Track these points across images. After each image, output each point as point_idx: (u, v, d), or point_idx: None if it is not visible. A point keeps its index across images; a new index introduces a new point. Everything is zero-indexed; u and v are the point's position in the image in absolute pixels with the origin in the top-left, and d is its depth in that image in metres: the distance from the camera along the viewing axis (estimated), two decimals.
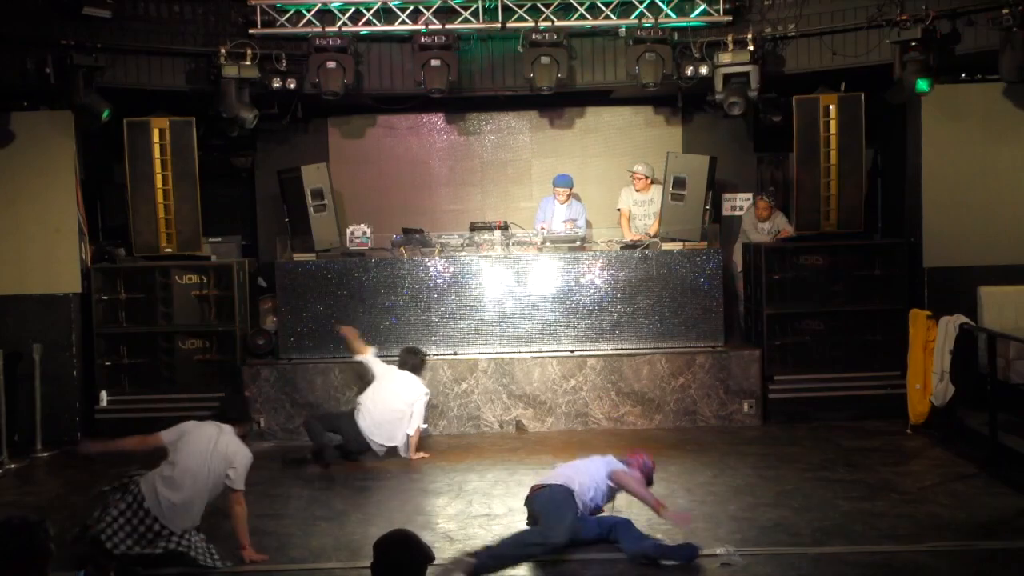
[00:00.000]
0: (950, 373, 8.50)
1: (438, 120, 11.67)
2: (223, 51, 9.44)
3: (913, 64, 8.86)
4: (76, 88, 8.87)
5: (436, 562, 3.78)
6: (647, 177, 10.49)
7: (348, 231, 9.77)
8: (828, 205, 9.72)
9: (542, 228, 10.25)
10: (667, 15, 9.82)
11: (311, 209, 9.79)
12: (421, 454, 8.60)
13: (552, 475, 6.57)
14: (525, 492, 7.59)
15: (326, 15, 9.87)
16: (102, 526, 5.89)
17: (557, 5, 9.81)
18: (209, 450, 6.11)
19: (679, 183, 9.77)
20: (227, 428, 6.26)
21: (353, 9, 9.86)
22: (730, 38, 9.56)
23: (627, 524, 6.26)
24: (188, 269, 9.71)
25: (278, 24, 9.87)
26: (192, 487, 6.04)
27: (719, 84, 9.55)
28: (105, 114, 9.10)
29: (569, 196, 10.62)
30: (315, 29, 9.75)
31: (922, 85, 8.95)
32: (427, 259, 9.71)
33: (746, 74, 9.45)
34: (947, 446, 8.49)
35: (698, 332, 9.62)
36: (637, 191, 10.56)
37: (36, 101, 9.51)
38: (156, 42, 9.69)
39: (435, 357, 9.55)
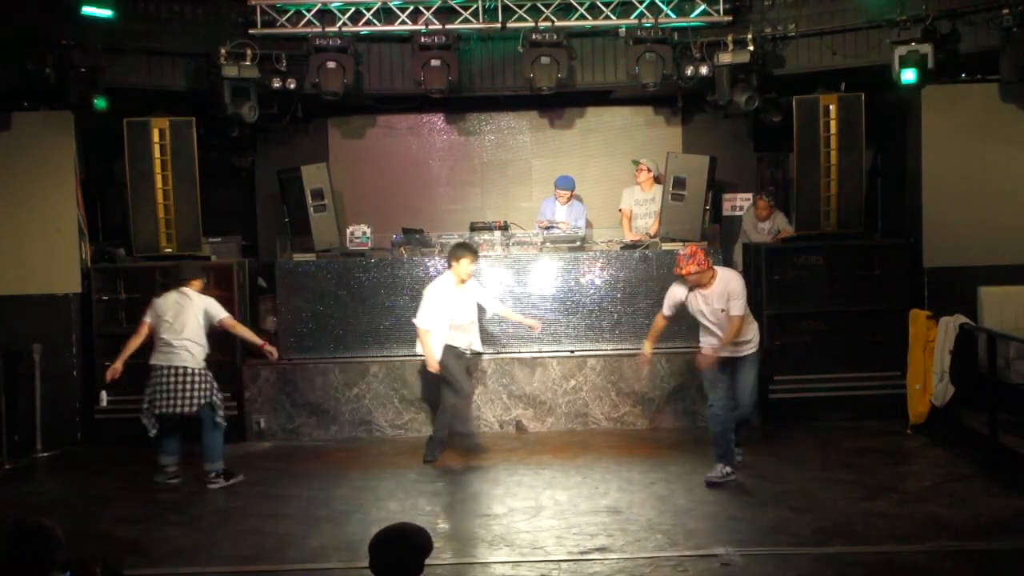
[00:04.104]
0: (950, 373, 8.50)
1: (438, 120, 11.67)
2: (223, 51, 9.44)
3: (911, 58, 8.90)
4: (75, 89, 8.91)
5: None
6: (651, 170, 10.45)
7: (348, 231, 9.77)
8: (828, 205, 9.72)
9: (546, 224, 10.24)
10: (667, 15, 9.83)
11: (311, 209, 9.79)
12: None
13: None
14: (525, 492, 7.64)
15: (326, 15, 9.88)
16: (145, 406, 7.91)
17: (557, 5, 9.81)
18: (185, 305, 7.96)
19: (679, 183, 9.76)
20: (187, 289, 8.05)
21: (353, 9, 9.86)
22: (730, 38, 9.57)
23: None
24: None
25: (278, 24, 9.87)
26: (187, 333, 7.91)
27: (725, 83, 9.54)
28: (100, 103, 9.07)
29: (570, 198, 10.62)
30: (315, 29, 9.75)
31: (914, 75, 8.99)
32: (427, 259, 9.71)
33: (749, 72, 9.48)
34: (947, 446, 8.49)
35: (698, 332, 9.58)
36: (639, 184, 10.50)
37: (36, 101, 9.50)
38: (156, 42, 9.69)
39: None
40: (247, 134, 10.68)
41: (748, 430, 8.32)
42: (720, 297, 7.59)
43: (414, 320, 8.54)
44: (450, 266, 8.52)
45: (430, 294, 8.50)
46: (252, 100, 9.68)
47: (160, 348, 7.96)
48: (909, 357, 8.99)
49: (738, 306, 7.55)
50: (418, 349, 8.64)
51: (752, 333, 7.80)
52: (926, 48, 8.84)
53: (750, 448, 8.57)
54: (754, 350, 7.80)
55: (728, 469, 7.70)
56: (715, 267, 7.70)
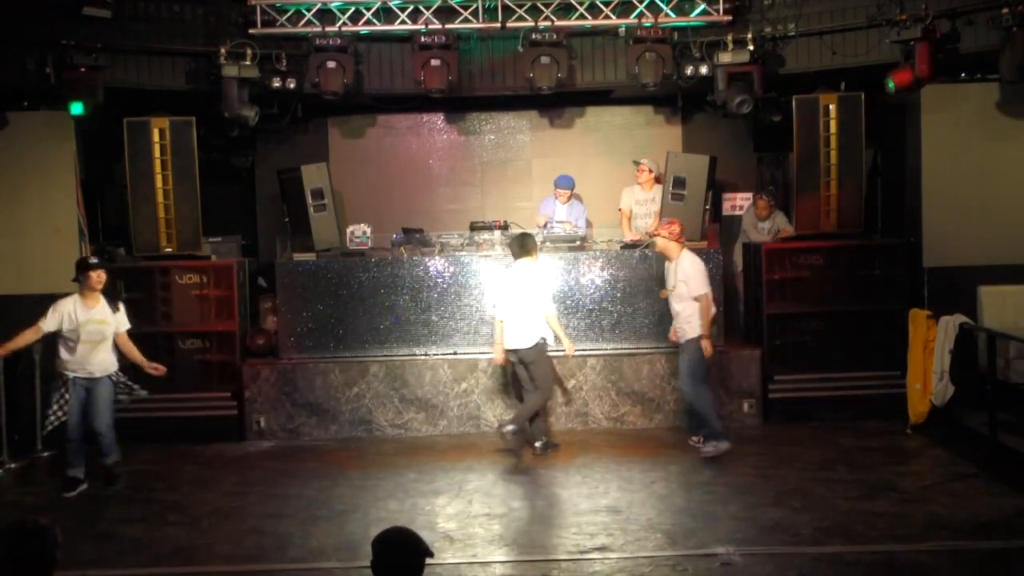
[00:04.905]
0: (950, 373, 8.50)
1: (438, 120, 11.67)
2: (223, 51, 9.43)
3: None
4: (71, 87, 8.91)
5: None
6: (652, 171, 10.45)
7: (348, 231, 9.77)
8: (828, 205, 9.72)
9: (543, 225, 10.23)
10: (667, 15, 9.81)
11: (311, 209, 9.79)
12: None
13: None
14: (526, 492, 7.64)
15: (326, 15, 9.87)
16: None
17: (557, 5, 9.80)
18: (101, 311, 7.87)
19: (679, 183, 9.76)
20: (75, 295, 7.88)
21: (353, 9, 9.85)
22: (730, 38, 9.56)
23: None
24: (188, 269, 9.70)
25: (278, 24, 9.86)
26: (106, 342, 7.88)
27: (721, 84, 9.55)
28: (76, 108, 9.02)
29: (570, 197, 10.61)
30: (315, 29, 9.74)
31: (892, 85, 9.13)
32: (427, 259, 9.71)
33: (749, 73, 9.46)
34: (947, 446, 8.49)
35: None
36: (639, 184, 10.49)
37: (36, 101, 9.50)
38: (156, 42, 9.69)
39: (435, 357, 9.56)
40: (247, 134, 10.68)
41: (694, 418, 8.80)
42: (674, 275, 8.55)
43: (548, 310, 8.74)
44: (529, 255, 8.73)
45: (546, 281, 8.93)
46: (253, 105, 9.70)
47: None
48: (909, 357, 8.99)
49: (690, 287, 8.41)
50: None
51: (693, 321, 8.43)
52: (921, 50, 8.85)
53: (750, 448, 8.61)
54: (691, 336, 8.44)
55: (696, 438, 8.75)
56: (685, 249, 8.60)
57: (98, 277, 7.91)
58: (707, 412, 8.45)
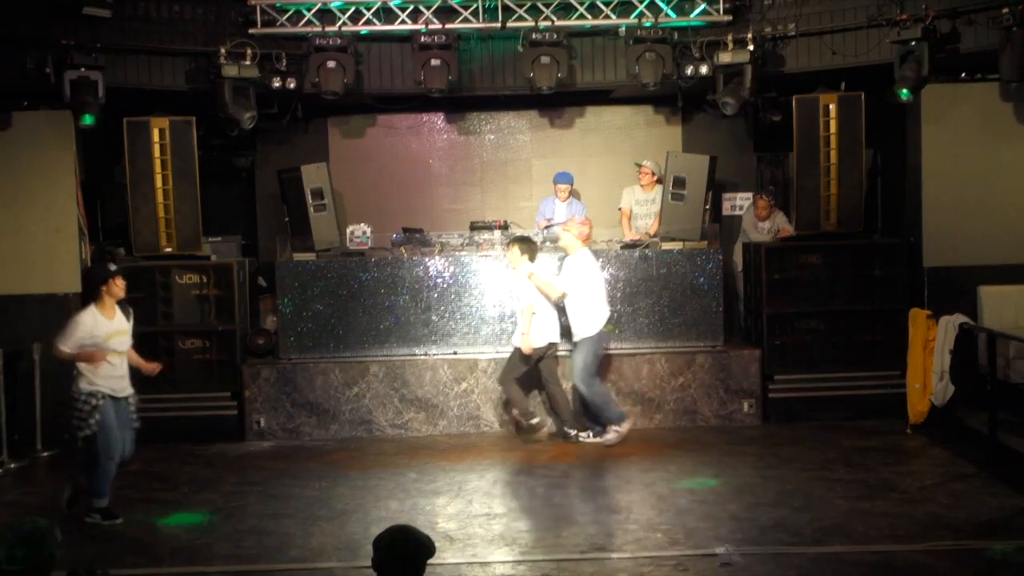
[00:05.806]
0: (950, 373, 8.50)
1: (438, 120, 11.67)
2: (223, 51, 9.43)
3: (909, 71, 8.90)
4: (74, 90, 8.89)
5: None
6: (654, 173, 10.46)
7: (348, 231, 9.77)
8: (828, 205, 9.71)
9: (546, 224, 10.24)
10: (667, 15, 9.82)
11: (311, 209, 9.79)
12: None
13: None
14: (524, 492, 7.64)
15: (326, 15, 9.87)
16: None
17: (557, 5, 9.81)
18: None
19: (679, 183, 9.76)
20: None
21: (353, 9, 9.86)
22: (730, 38, 9.56)
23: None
24: (188, 269, 9.70)
25: (278, 24, 9.86)
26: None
27: (719, 84, 9.56)
28: (87, 119, 8.98)
29: (570, 193, 10.61)
30: (315, 29, 9.75)
31: (905, 94, 9.08)
32: (427, 259, 9.71)
33: (741, 74, 9.46)
34: (947, 446, 8.50)
35: (698, 332, 9.61)
36: (642, 186, 10.51)
37: (36, 101, 9.50)
38: (156, 42, 9.69)
39: (435, 357, 9.56)
40: (247, 134, 10.68)
41: (585, 415, 8.96)
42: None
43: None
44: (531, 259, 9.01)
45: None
46: (252, 107, 9.69)
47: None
48: (909, 356, 8.99)
49: (560, 282, 8.86)
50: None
51: (578, 319, 8.80)
52: (923, 49, 8.84)
53: (750, 448, 8.61)
54: (579, 337, 8.81)
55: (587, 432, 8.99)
56: (583, 250, 8.93)
57: (123, 284, 7.32)
58: (604, 404, 8.85)
